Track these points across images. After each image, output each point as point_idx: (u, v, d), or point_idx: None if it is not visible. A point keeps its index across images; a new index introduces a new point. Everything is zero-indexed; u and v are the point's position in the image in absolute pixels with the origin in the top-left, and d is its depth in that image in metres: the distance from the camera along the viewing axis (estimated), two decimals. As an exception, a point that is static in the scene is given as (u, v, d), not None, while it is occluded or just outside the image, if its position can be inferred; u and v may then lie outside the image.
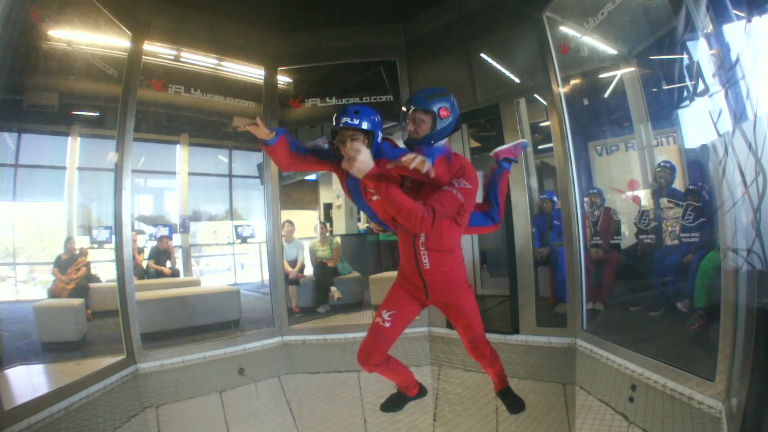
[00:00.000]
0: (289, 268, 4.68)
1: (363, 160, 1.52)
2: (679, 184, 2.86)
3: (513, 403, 2.27)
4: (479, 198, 2.04)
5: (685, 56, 2.38)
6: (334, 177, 2.21)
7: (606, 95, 3.25)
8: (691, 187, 2.70)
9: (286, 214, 4.59)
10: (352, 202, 2.01)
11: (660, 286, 2.97)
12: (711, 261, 2.51)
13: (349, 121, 1.73)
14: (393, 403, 2.26)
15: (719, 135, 2.02)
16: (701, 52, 2.13)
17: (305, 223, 6.11)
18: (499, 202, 2.11)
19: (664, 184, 2.89)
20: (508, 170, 2.20)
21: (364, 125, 1.74)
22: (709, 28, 1.98)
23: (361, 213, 6.34)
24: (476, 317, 1.97)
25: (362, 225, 6.04)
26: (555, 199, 3.96)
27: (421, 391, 2.28)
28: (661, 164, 2.93)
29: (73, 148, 4.07)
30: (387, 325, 1.86)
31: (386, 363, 1.97)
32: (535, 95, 3.72)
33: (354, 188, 1.93)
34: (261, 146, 1.76)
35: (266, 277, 4.31)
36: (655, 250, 2.95)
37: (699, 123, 2.29)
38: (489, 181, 2.17)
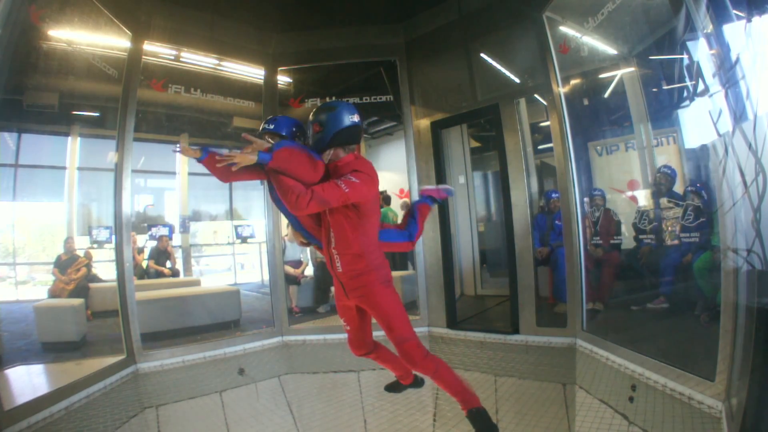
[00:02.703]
0: (290, 270, 4.69)
1: (257, 143, 1.76)
2: (678, 184, 2.86)
3: (481, 429, 2.00)
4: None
5: (685, 56, 2.37)
6: None
7: (606, 95, 3.25)
8: (690, 188, 2.69)
9: (286, 214, 4.59)
10: (276, 205, 2.09)
11: (660, 286, 2.97)
12: (703, 261, 2.52)
13: (266, 126, 2.00)
14: (394, 387, 2.41)
15: (719, 135, 2.02)
16: (701, 52, 2.13)
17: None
18: (418, 225, 2.22)
19: (664, 190, 2.88)
20: (430, 205, 2.33)
21: (283, 131, 1.98)
22: (709, 28, 1.98)
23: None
24: (396, 318, 1.91)
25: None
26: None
27: (417, 381, 2.36)
28: (662, 170, 2.91)
29: (73, 148, 4.07)
30: (347, 328, 2.11)
31: (376, 351, 2.15)
32: (535, 95, 3.72)
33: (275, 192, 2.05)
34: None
35: (266, 277, 4.31)
36: (655, 251, 2.95)
37: (699, 123, 2.28)
38: (410, 209, 2.29)
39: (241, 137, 1.84)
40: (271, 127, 1.99)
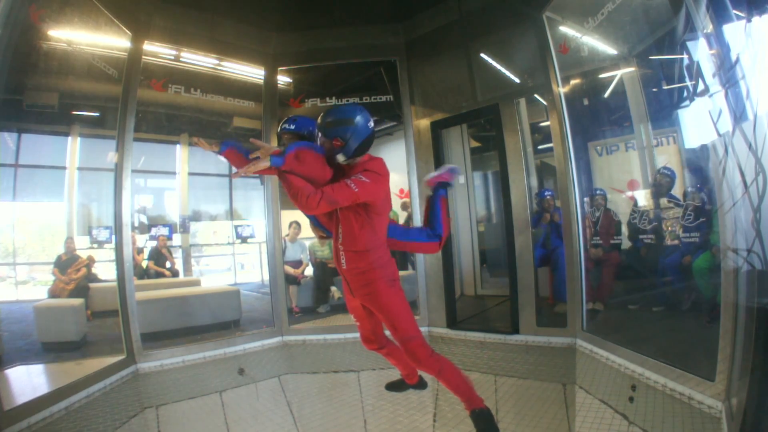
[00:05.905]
0: (290, 270, 4.69)
1: (265, 148, 1.76)
2: (678, 185, 2.86)
3: (483, 430, 1.97)
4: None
5: (685, 56, 2.37)
6: None
7: (606, 95, 3.25)
8: (691, 189, 2.69)
9: (286, 214, 4.59)
10: (292, 201, 2.09)
11: (660, 286, 2.97)
12: (703, 261, 2.53)
13: (286, 126, 2.03)
14: (396, 386, 2.42)
15: (719, 135, 2.02)
16: (701, 52, 2.12)
17: (305, 223, 6.08)
18: (443, 227, 2.16)
19: (663, 192, 2.87)
20: (445, 196, 2.22)
21: (303, 132, 2.00)
22: (709, 28, 1.98)
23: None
24: (400, 317, 1.91)
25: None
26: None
27: (421, 383, 2.37)
28: (661, 170, 2.90)
29: (73, 148, 4.07)
30: (358, 324, 2.14)
31: (387, 347, 2.17)
32: (535, 95, 3.72)
33: None
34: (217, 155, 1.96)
35: (266, 277, 4.31)
36: (653, 251, 2.95)
37: (699, 123, 2.28)
38: (429, 208, 2.22)
39: (249, 141, 1.84)
40: (292, 127, 2.01)
